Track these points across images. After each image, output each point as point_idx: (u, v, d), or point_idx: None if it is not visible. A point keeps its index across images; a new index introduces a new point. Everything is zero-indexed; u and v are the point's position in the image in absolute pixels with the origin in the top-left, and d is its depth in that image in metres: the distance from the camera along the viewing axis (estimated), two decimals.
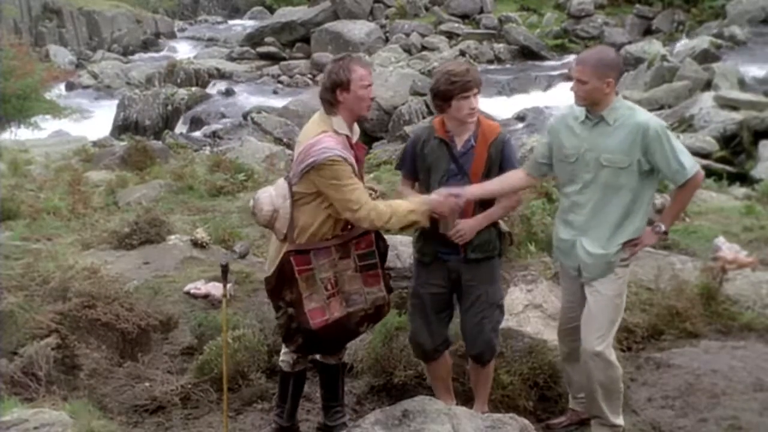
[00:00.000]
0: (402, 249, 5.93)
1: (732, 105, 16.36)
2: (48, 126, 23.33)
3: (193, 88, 27.21)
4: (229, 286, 4.37)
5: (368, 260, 4.04)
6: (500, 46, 29.86)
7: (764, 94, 17.56)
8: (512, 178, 4.12)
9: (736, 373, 4.97)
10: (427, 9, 33.80)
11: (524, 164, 4.24)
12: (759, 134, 14.88)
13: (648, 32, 29.76)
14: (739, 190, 10.95)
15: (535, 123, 19.88)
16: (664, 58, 21.02)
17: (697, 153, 14.07)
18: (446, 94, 3.96)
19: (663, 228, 4.00)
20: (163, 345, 5.53)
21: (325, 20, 32.27)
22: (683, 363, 5.12)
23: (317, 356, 4.38)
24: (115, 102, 25.65)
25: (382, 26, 32.44)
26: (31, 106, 23.24)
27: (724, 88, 17.90)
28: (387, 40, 31.31)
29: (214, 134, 22.78)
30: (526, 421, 3.80)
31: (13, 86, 22.43)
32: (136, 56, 36.36)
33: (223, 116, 24.46)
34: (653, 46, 25.23)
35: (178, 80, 28.86)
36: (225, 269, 4.17)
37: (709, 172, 12.75)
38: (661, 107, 18.22)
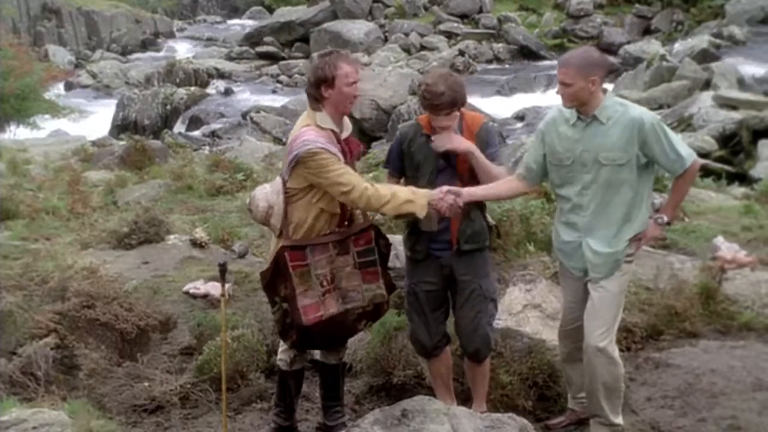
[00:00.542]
0: (401, 249, 5.91)
1: (731, 104, 16.36)
2: (47, 126, 23.31)
3: (192, 88, 27.20)
4: (227, 285, 4.36)
5: (367, 257, 4.04)
6: (499, 46, 29.89)
7: (763, 93, 17.57)
8: (514, 184, 4.16)
9: (735, 372, 4.97)
10: (426, 9, 33.84)
11: (519, 170, 4.22)
12: (758, 134, 14.88)
13: (647, 32, 29.80)
14: (738, 190, 10.94)
15: (534, 123, 19.83)
16: (663, 57, 21.02)
17: (696, 152, 14.04)
18: (421, 103, 4.06)
19: (665, 219, 4.01)
20: (162, 345, 5.53)
21: (324, 20, 32.28)
22: (682, 363, 5.12)
23: (317, 356, 4.38)
24: (114, 101, 25.62)
25: (381, 26, 32.46)
26: (30, 106, 23.23)
27: (723, 88, 17.90)
28: (386, 40, 31.33)
29: (213, 134, 22.77)
30: (526, 421, 3.80)
31: (12, 86, 22.42)
32: (135, 56, 36.37)
33: (222, 116, 24.45)
34: (652, 46, 25.26)
35: (177, 80, 28.84)
36: (223, 269, 4.17)
37: (708, 172, 12.76)
38: (660, 107, 18.22)
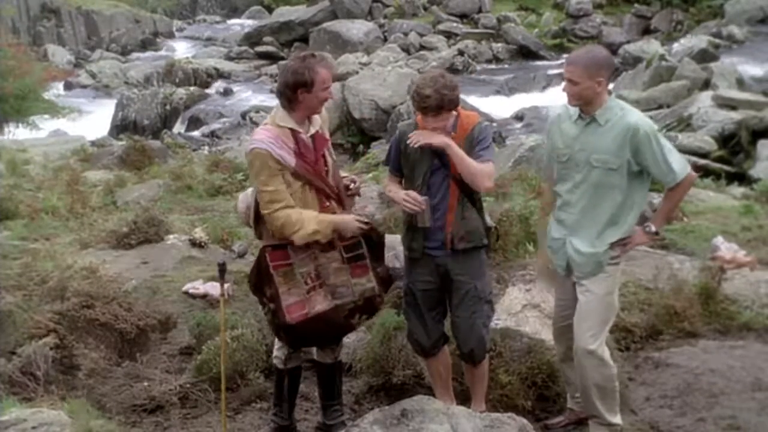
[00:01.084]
0: (400, 248, 5.90)
1: (730, 104, 16.36)
2: (46, 126, 23.27)
3: (192, 88, 27.17)
4: (227, 285, 4.37)
5: (355, 251, 4.03)
6: (499, 46, 29.86)
7: (763, 93, 17.57)
8: (545, 189, 4.18)
9: (735, 372, 4.98)
10: (425, 8, 33.81)
11: (541, 172, 4.25)
12: (757, 134, 14.88)
13: (646, 32, 29.77)
14: (738, 190, 10.94)
15: (533, 122, 19.87)
16: (662, 57, 21.01)
17: (695, 152, 14.11)
18: (412, 103, 4.10)
19: (653, 229, 4.01)
20: (162, 345, 5.53)
21: (324, 20, 32.25)
22: (681, 362, 5.12)
23: (315, 355, 4.39)
24: (114, 101, 25.57)
25: (381, 26, 32.42)
26: (29, 106, 23.20)
27: (723, 88, 17.90)
28: (385, 40, 31.29)
29: (212, 134, 22.76)
30: (525, 421, 3.81)
31: (12, 86, 22.40)
32: (135, 56, 36.29)
33: (222, 116, 24.43)
34: (651, 46, 25.23)
35: (177, 80, 28.81)
36: (222, 269, 4.18)
37: (708, 172, 12.79)
38: (660, 107, 18.22)
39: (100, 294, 5.35)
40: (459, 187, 4.02)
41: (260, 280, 4.01)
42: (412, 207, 3.96)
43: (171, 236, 7.71)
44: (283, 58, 31.15)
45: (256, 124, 21.46)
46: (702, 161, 13.88)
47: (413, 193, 3.98)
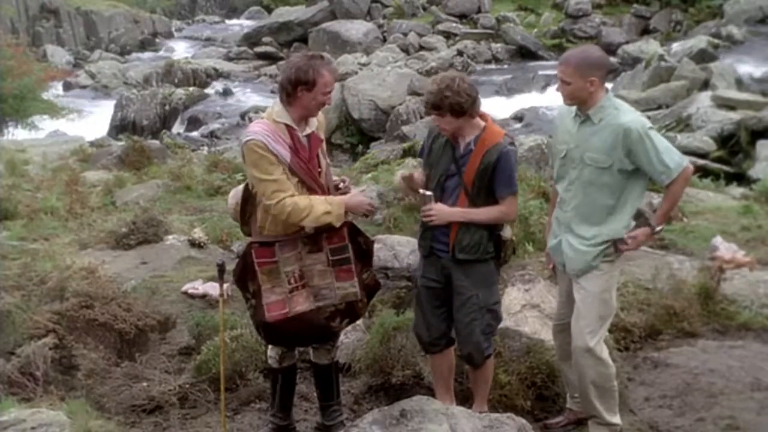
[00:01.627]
0: (399, 249, 5.93)
1: (729, 105, 16.38)
2: (45, 126, 23.25)
3: (191, 88, 27.18)
4: (226, 285, 4.36)
5: (341, 255, 4.01)
6: (498, 46, 29.87)
7: (761, 93, 17.59)
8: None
9: (734, 372, 4.98)
10: (424, 9, 33.83)
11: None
12: (756, 134, 14.91)
13: (645, 32, 29.79)
14: (737, 190, 10.95)
15: (532, 123, 19.88)
16: (661, 57, 21.03)
17: (694, 153, 14.12)
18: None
19: (654, 226, 4.00)
20: (161, 345, 5.53)
21: (323, 20, 32.27)
22: (681, 362, 5.12)
23: (311, 356, 4.39)
24: (113, 102, 25.58)
25: (380, 26, 32.44)
26: (28, 106, 23.16)
27: (722, 88, 17.92)
28: (385, 40, 31.31)
29: (211, 134, 22.78)
30: (524, 421, 3.80)
31: (10, 86, 22.36)
32: (134, 56, 36.29)
33: (221, 116, 24.45)
34: (651, 46, 25.28)
35: (176, 80, 28.82)
36: (221, 269, 4.18)
37: (707, 172, 12.80)
38: (659, 107, 18.24)
39: (99, 294, 5.34)
40: (468, 198, 4.00)
41: (244, 275, 4.01)
42: (403, 185, 4.07)
43: (170, 236, 7.71)
44: (282, 59, 31.16)
45: None
46: (701, 161, 13.90)
47: (426, 192, 3.99)
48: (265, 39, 33.14)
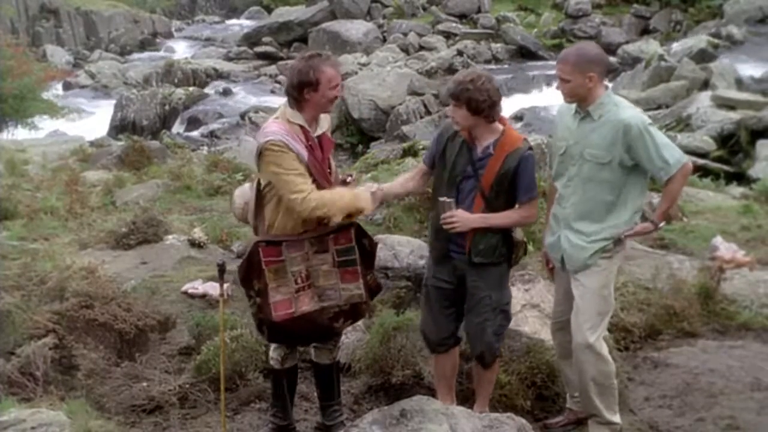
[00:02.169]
0: (400, 249, 5.93)
1: (729, 104, 16.38)
2: (45, 126, 23.26)
3: (191, 88, 27.18)
4: (226, 285, 4.36)
5: (347, 256, 4.01)
6: (498, 46, 29.87)
7: (761, 93, 17.58)
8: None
9: (734, 372, 4.98)
10: (424, 9, 33.83)
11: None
12: (756, 133, 14.91)
13: (645, 32, 29.80)
14: (737, 190, 10.96)
15: (532, 123, 19.87)
16: (661, 57, 21.04)
17: (694, 152, 14.11)
18: None
19: (654, 221, 4.00)
20: (161, 345, 5.52)
21: (323, 20, 32.28)
22: (681, 362, 5.12)
23: (312, 356, 4.39)
24: (113, 102, 25.60)
25: (380, 26, 32.44)
26: (28, 106, 23.16)
27: (722, 88, 17.92)
28: (384, 40, 31.32)
29: (211, 134, 22.78)
30: (524, 421, 3.80)
31: (10, 86, 22.37)
32: (134, 56, 36.31)
33: (221, 116, 24.44)
34: (651, 46, 25.28)
35: (176, 80, 28.82)
36: (222, 269, 4.17)
37: (707, 172, 12.81)
38: (659, 107, 18.25)
39: (99, 294, 5.34)
40: (484, 202, 4.00)
41: (249, 274, 4.00)
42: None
43: (170, 236, 7.70)
44: (282, 59, 31.20)
45: (255, 124, 21.51)
46: (701, 161, 13.90)
47: (446, 198, 4.00)
48: (265, 39, 33.14)
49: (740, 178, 13.18)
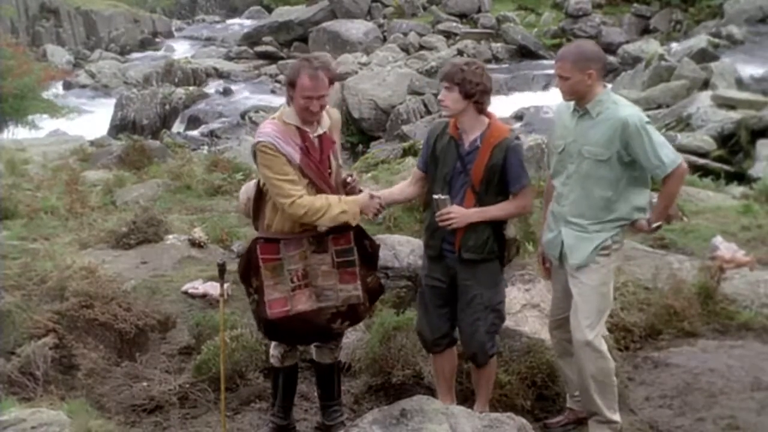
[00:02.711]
0: (400, 249, 5.94)
1: (729, 104, 16.37)
2: (45, 125, 23.25)
3: (191, 88, 27.18)
4: (226, 285, 4.37)
5: (346, 257, 4.02)
6: (498, 46, 29.88)
7: (762, 93, 17.58)
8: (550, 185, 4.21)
9: (734, 372, 4.98)
10: (424, 8, 33.82)
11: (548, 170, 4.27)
12: (756, 133, 14.90)
13: (646, 31, 29.81)
14: (737, 189, 10.94)
15: (533, 122, 19.87)
16: (661, 57, 21.04)
17: (694, 152, 14.13)
18: None
19: (652, 221, 3.99)
20: (161, 345, 5.53)
21: (323, 19, 32.27)
22: (681, 362, 5.12)
23: (314, 355, 4.39)
24: (113, 101, 25.60)
25: (380, 25, 32.44)
26: (28, 106, 23.17)
27: (722, 88, 17.92)
28: (385, 40, 31.32)
29: (211, 133, 22.77)
30: (524, 421, 3.81)
31: (11, 86, 22.36)
32: (134, 55, 36.27)
33: (221, 116, 24.43)
34: (651, 46, 25.28)
35: (176, 79, 28.80)
36: (222, 269, 4.19)
37: (707, 172, 12.81)
38: (659, 106, 18.24)
39: (100, 294, 5.34)
40: (475, 197, 4.02)
41: (248, 271, 4.04)
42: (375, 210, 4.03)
43: (170, 236, 7.70)
44: (282, 58, 31.20)
45: (255, 123, 21.50)
46: (701, 161, 13.91)
47: (440, 195, 3.99)
48: (266, 38, 33.13)
49: (740, 177, 13.17)
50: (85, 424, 3.90)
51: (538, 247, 4.43)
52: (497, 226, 4.09)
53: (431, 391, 4.48)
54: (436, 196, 4.02)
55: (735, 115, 15.68)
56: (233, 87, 28.27)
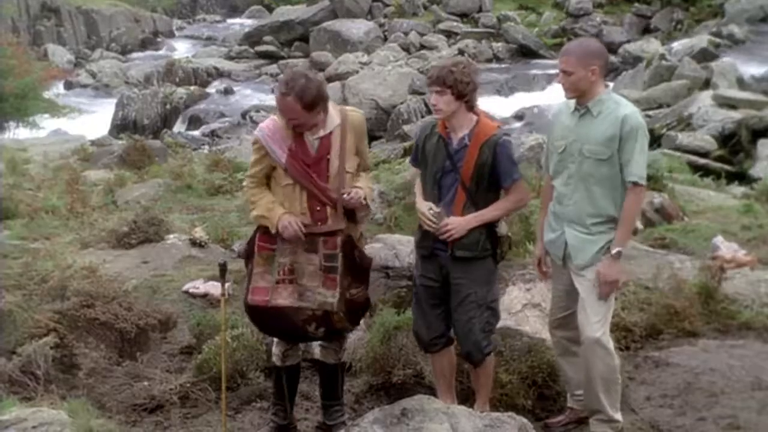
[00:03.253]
0: (400, 248, 5.94)
1: (730, 104, 16.36)
2: (46, 125, 23.28)
3: (192, 87, 27.19)
4: (227, 285, 4.37)
5: (331, 262, 4.02)
6: (499, 45, 29.88)
7: (763, 92, 17.56)
8: (548, 185, 4.23)
9: (735, 371, 4.97)
10: (425, 8, 33.82)
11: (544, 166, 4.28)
12: (757, 133, 14.88)
13: (646, 31, 29.80)
14: (738, 189, 10.95)
15: (533, 122, 19.88)
16: (662, 57, 21.04)
17: (695, 152, 14.13)
18: None
19: (616, 250, 3.93)
20: (162, 344, 5.53)
21: (324, 19, 32.27)
22: (682, 362, 5.12)
23: (317, 355, 4.39)
24: (114, 101, 25.59)
25: (381, 25, 32.44)
26: (29, 105, 23.20)
27: (723, 87, 17.90)
28: (385, 39, 31.32)
29: (212, 133, 22.78)
30: (525, 420, 3.81)
31: (12, 85, 22.41)
32: (135, 55, 36.28)
33: (222, 115, 24.45)
34: (652, 45, 25.29)
35: (177, 79, 28.81)
36: (223, 268, 4.20)
37: (708, 171, 12.81)
38: (660, 106, 18.23)
39: (101, 293, 5.35)
40: (466, 195, 4.02)
41: (248, 254, 4.16)
42: (429, 225, 4.03)
43: (171, 236, 7.71)
44: (283, 58, 31.21)
45: (256, 123, 21.48)
46: (702, 161, 13.90)
47: (435, 208, 4.01)
48: (266, 38, 33.12)
49: (741, 177, 13.16)
50: (86, 423, 3.90)
51: (539, 248, 4.41)
52: (490, 223, 4.09)
53: (432, 391, 4.47)
54: (431, 210, 4.02)
55: (736, 114, 15.67)
56: (234, 86, 28.28)
